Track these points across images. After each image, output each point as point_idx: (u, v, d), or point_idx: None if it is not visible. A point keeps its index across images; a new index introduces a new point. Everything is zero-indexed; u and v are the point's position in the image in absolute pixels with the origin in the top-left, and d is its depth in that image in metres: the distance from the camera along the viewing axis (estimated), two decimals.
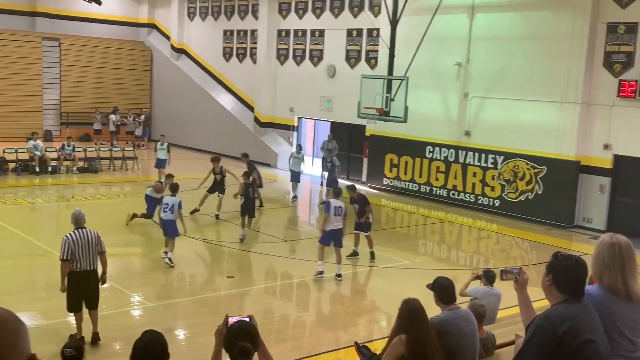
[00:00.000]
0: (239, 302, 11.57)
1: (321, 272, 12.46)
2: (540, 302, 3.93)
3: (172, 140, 30.20)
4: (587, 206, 18.20)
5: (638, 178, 17.36)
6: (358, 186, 19.30)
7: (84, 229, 8.93)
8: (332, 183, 19.35)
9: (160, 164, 21.03)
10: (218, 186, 17.43)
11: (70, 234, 8.86)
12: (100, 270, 9.09)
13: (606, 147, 17.73)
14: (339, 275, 12.46)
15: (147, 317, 10.45)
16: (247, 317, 4.15)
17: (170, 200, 13.14)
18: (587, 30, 17.62)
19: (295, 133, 26.94)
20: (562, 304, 3.68)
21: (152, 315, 10.56)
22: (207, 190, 17.33)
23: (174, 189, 13.59)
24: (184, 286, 12.58)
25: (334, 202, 12.47)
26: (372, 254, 13.94)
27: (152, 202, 15.62)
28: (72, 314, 9.04)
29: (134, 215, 15.86)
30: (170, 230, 12.99)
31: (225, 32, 29.94)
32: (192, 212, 16.65)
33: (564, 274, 3.72)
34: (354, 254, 14.00)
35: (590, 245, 15.99)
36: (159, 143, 21.55)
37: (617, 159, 17.67)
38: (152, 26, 34.11)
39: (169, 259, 12.76)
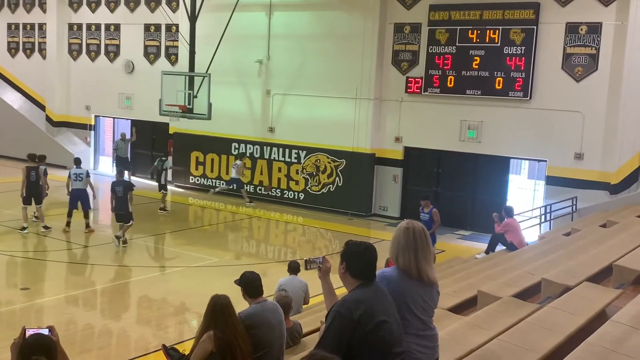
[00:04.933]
0: (37, 315, 10.77)
1: None
2: (344, 288, 4.11)
3: None
4: (382, 195, 19.44)
5: (424, 167, 18.89)
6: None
7: None
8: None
9: None
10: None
11: None
12: None
13: (397, 139, 19.05)
14: None
15: None
16: (46, 328, 3.89)
17: None
18: (377, 30, 18.77)
19: (92, 132, 25.65)
20: (357, 289, 3.90)
21: None
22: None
23: None
24: None
25: None
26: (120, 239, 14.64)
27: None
28: None
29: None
30: None
31: (9, 25, 27.66)
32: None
33: (355, 260, 3.94)
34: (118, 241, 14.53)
35: (387, 232, 17.11)
36: None
37: (407, 150, 19.06)
38: None
39: None
